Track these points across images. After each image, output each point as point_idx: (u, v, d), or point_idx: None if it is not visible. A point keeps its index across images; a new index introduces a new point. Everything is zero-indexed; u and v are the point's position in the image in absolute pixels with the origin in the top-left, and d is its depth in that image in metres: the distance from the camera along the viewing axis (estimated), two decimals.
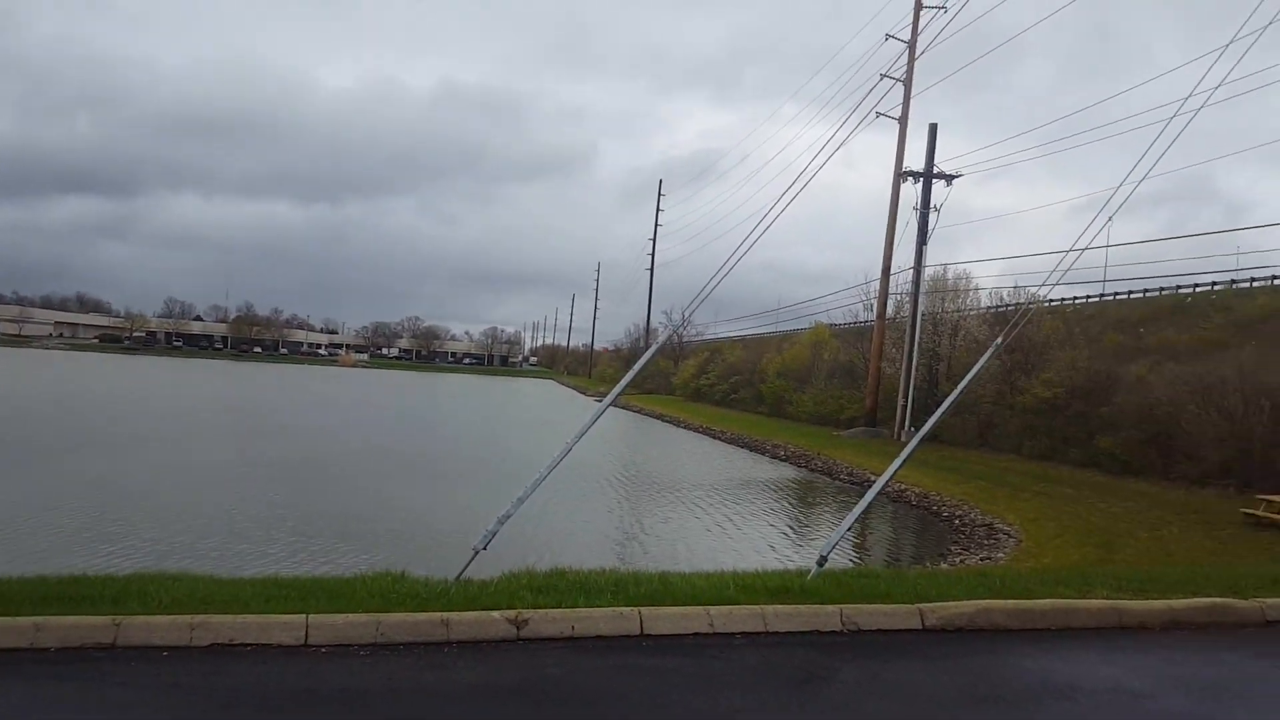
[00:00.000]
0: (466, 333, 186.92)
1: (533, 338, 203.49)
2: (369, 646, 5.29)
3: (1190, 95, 8.44)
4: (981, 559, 18.73)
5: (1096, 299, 56.45)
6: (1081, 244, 7.77)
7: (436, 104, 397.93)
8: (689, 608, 6.00)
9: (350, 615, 5.50)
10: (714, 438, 47.95)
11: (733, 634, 5.82)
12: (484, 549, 6.60)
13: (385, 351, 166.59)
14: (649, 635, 5.70)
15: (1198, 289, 50.38)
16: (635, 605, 5.93)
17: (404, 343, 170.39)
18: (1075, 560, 17.00)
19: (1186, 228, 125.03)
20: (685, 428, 54.09)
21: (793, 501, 26.78)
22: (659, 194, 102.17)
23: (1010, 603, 6.47)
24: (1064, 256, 7.78)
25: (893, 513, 25.64)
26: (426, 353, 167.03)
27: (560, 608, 5.86)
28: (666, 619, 5.84)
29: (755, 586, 6.66)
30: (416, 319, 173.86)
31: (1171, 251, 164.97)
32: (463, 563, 6.59)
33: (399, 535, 15.90)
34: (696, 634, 5.78)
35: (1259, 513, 20.18)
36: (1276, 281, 46.30)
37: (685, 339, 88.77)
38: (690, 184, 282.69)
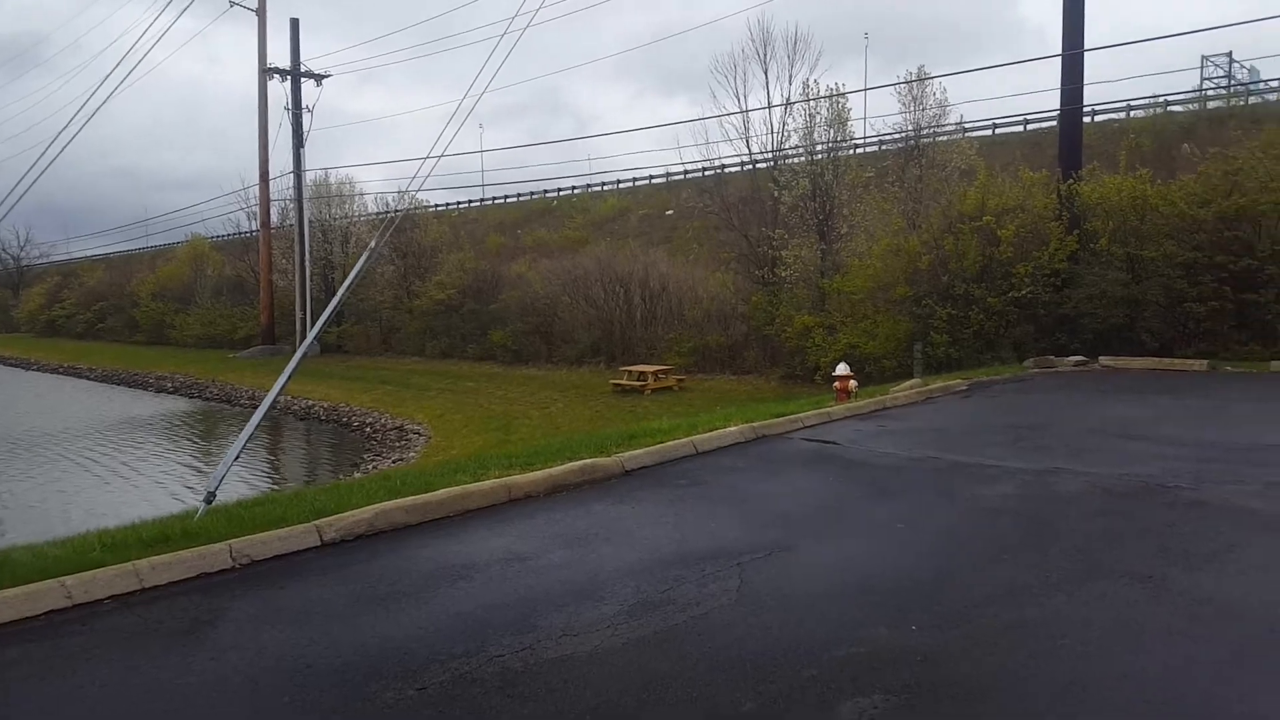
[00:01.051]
0: None
1: None
2: None
3: (518, 14, 8.93)
4: (394, 461, 19.27)
5: (478, 203, 60.92)
6: (440, 150, 7.90)
7: None
8: (37, 584, 4.97)
9: None
10: (80, 377, 41.66)
11: (100, 600, 4.98)
12: None
13: None
14: None
15: (561, 192, 57.16)
16: None
17: None
18: (480, 446, 18.40)
19: (545, 136, 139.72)
20: (40, 370, 46.09)
21: (195, 436, 24.61)
22: None
23: (408, 500, 6.57)
24: (423, 163, 7.86)
25: (305, 430, 25.08)
26: None
27: None
28: (4, 605, 4.76)
29: (128, 542, 5.79)
30: None
31: (537, 158, 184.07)
32: None
33: None
34: (50, 612, 4.83)
35: (622, 382, 24.10)
36: (620, 185, 54.56)
37: (28, 263, 74.08)
38: (6, 71, 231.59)
